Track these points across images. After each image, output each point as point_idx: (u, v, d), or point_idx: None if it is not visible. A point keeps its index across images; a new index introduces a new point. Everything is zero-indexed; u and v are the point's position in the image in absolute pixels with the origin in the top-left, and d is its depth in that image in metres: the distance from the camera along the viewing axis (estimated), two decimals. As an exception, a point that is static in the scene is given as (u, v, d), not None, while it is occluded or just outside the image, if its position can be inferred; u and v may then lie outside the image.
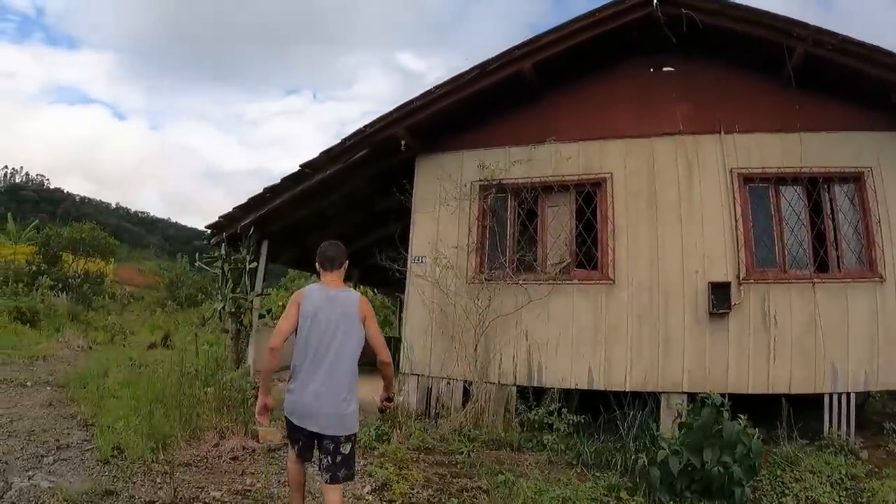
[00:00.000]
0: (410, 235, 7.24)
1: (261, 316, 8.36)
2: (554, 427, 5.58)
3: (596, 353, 6.07)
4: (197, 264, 7.96)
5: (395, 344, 7.09)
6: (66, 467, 4.19)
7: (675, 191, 6.21)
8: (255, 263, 7.86)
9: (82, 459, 4.40)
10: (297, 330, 2.92)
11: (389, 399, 3.23)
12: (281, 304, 11.60)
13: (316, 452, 2.96)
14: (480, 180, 6.92)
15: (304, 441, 2.93)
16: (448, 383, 6.64)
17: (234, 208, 7.78)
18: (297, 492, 3.09)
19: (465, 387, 6.49)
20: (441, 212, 7.18)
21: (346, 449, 2.83)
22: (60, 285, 19.28)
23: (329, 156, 7.09)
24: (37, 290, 17.66)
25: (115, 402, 5.90)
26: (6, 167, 78.25)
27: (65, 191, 77.75)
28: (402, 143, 6.91)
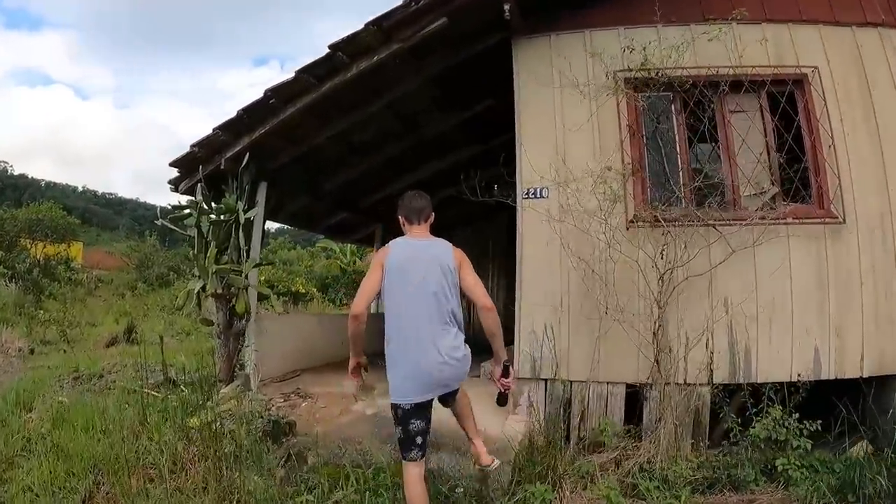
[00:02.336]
0: (518, 158, 4.42)
1: (262, 297, 5.43)
2: (790, 444, 3.54)
3: (822, 327, 4.07)
4: (159, 222, 4.93)
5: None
6: None
7: (892, 95, 4.35)
8: (251, 213, 4.87)
9: None
10: (381, 294, 2.62)
11: (506, 372, 2.76)
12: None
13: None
14: (627, 70, 4.33)
15: (423, 424, 2.53)
16: (601, 390, 4.04)
17: (215, 129, 4.77)
18: None
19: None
20: (565, 118, 4.41)
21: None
22: (10, 273, 16.18)
23: (381, 28, 4.13)
24: (-18, 280, 14.57)
25: (25, 476, 3.15)
26: (-35, 157, 73.08)
27: (29, 176, 73.48)
28: (506, 7, 4.09)
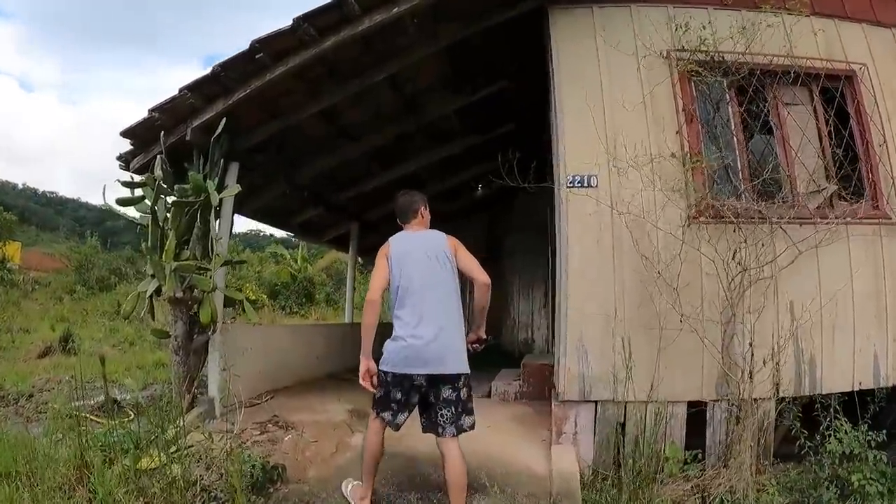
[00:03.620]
0: (557, 139, 3.77)
1: (229, 303, 4.44)
2: (862, 457, 3.07)
3: (881, 332, 3.71)
4: (103, 205, 3.85)
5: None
6: None
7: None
8: (227, 193, 3.91)
9: None
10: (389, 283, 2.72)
11: (481, 340, 2.82)
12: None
13: (411, 420, 2.68)
14: (681, 50, 3.81)
15: (402, 400, 2.61)
16: (660, 410, 3.35)
17: (183, 89, 3.77)
18: (373, 464, 2.74)
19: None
20: (613, 96, 3.79)
21: (465, 393, 2.62)
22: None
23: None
24: None
25: None
26: None
27: (-39, 171, 66.28)
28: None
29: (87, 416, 4.73)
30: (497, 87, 5.31)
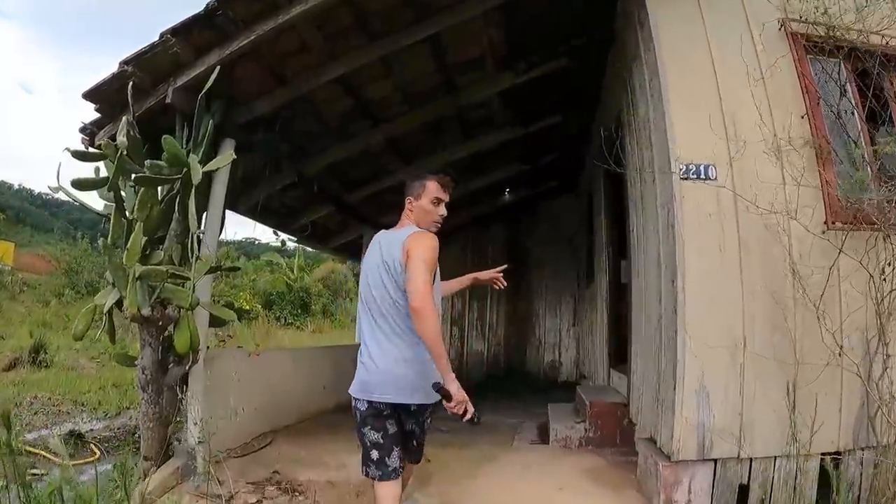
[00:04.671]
0: (665, 123, 2.88)
1: (216, 322, 3.44)
2: None
3: None
4: (54, 188, 2.85)
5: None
6: None
7: None
8: (214, 165, 2.94)
9: None
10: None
11: (442, 390, 1.91)
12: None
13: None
14: (796, 20, 2.97)
15: (377, 438, 2.09)
16: (790, 467, 2.58)
17: (165, 33, 2.79)
18: None
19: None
20: (725, 71, 2.90)
21: (427, 424, 2.19)
22: None
23: None
24: None
25: None
26: None
27: (-44, 170, 65.34)
28: None
29: (41, 452, 3.77)
30: (557, 64, 4.37)
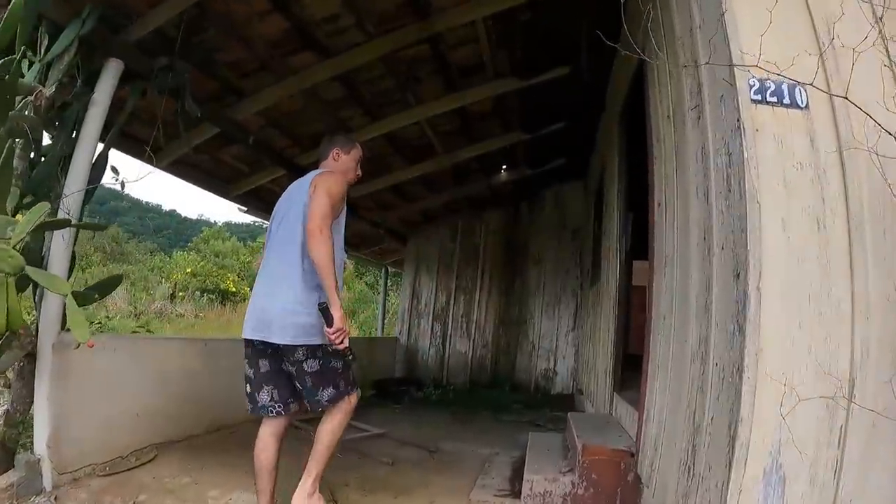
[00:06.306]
0: (723, 16, 1.66)
1: (83, 299, 2.47)
2: None
3: None
4: None
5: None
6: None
7: None
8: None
9: None
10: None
11: (326, 311, 1.97)
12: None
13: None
14: None
15: (253, 375, 2.15)
16: None
17: None
18: (264, 476, 2.10)
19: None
20: None
21: (311, 365, 2.06)
22: None
23: None
24: None
25: None
26: None
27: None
28: None
29: None
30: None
